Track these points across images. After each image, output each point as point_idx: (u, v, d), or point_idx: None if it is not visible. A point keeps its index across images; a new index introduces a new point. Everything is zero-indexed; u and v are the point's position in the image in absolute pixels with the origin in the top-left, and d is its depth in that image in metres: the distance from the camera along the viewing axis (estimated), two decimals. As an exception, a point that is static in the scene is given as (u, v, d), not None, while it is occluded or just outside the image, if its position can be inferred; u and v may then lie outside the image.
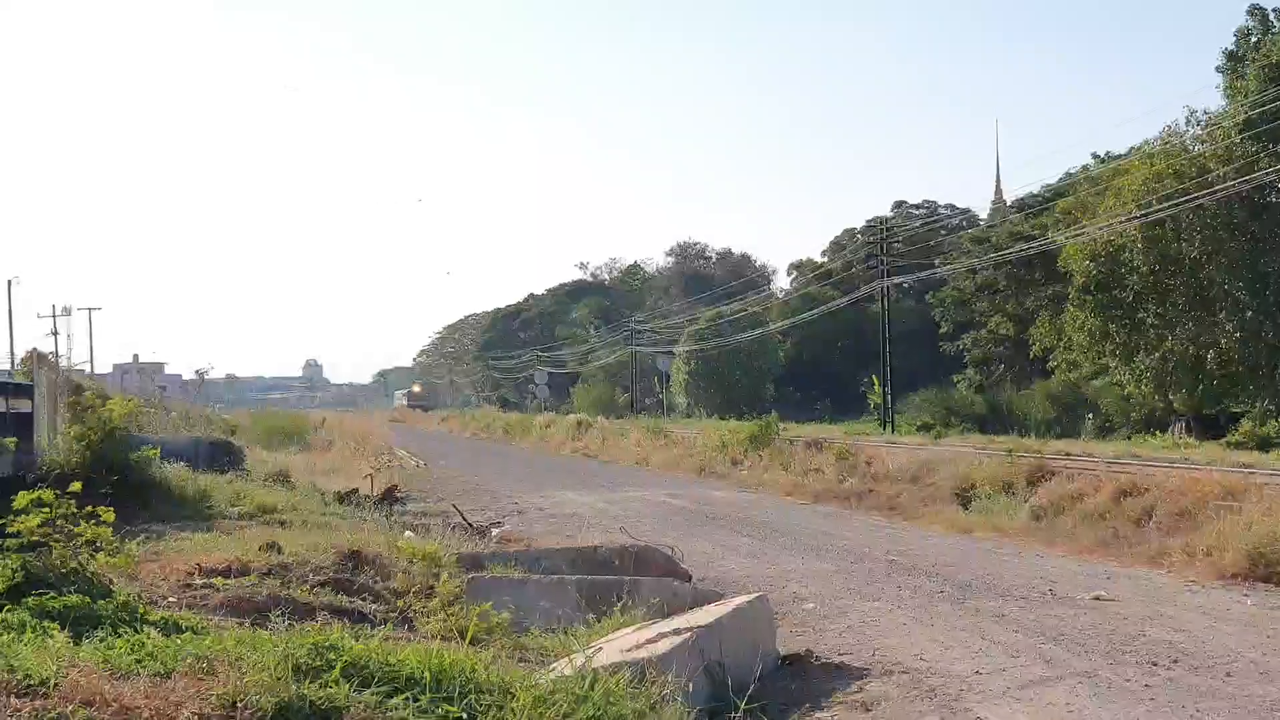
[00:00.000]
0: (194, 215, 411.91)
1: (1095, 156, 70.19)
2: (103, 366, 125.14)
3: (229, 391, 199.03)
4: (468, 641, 9.82)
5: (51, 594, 9.30)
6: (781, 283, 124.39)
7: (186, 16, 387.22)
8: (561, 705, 7.55)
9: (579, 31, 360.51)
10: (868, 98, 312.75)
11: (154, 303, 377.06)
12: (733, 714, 9.12)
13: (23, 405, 22.01)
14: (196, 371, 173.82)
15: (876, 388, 65.66)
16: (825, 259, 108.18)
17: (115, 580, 10.78)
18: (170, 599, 11.46)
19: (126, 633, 8.23)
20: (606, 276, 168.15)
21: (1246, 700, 10.88)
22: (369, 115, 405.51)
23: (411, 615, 12.52)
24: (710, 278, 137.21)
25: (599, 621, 12.11)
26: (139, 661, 7.28)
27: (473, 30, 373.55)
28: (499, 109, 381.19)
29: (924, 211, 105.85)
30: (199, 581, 12.59)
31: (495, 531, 22.98)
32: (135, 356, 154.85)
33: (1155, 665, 12.17)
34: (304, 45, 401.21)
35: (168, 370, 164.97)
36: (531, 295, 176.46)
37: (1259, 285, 49.94)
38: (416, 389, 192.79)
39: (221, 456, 31.03)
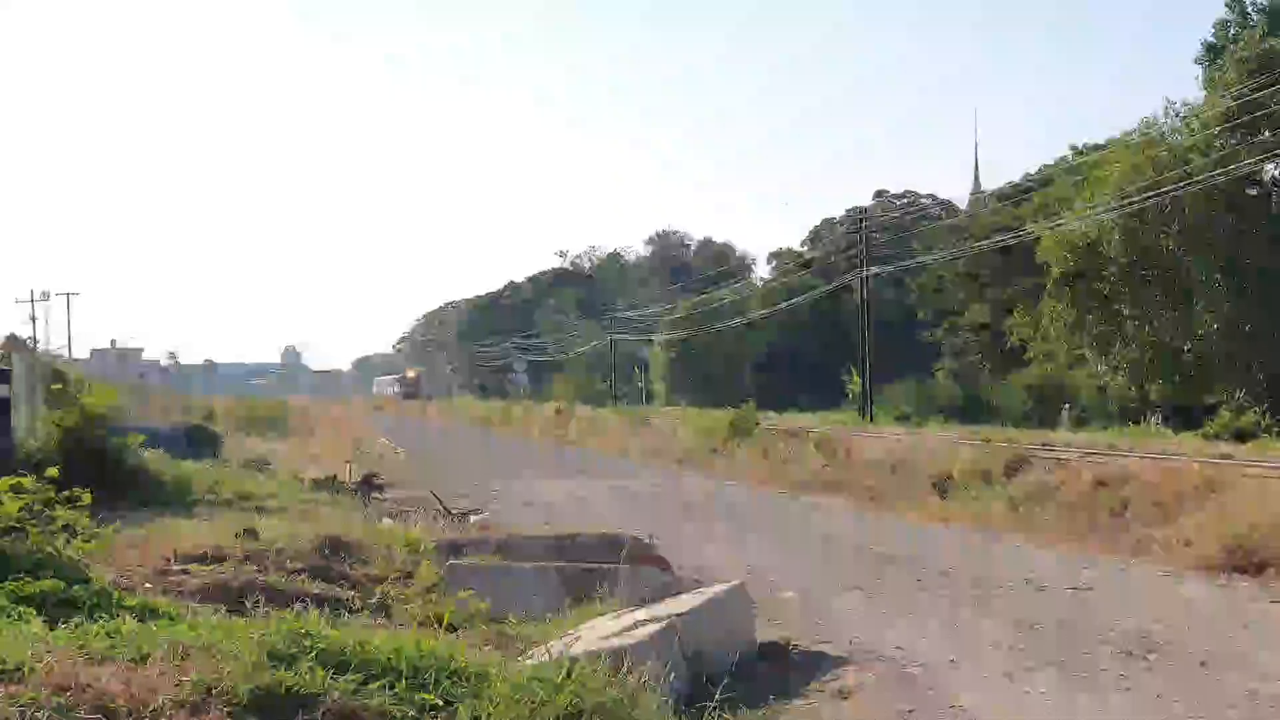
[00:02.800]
0: (171, 201, 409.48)
1: (1073, 148, 70.42)
2: (80, 352, 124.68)
3: (207, 378, 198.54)
4: (444, 628, 9.81)
5: (27, 579, 9.27)
6: (761, 272, 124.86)
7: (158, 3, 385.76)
8: (538, 693, 7.53)
9: (560, 20, 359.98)
10: (848, 87, 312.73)
11: (132, 289, 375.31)
12: (710, 702, 9.11)
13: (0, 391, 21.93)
14: (170, 354, 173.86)
15: (855, 377, 65.71)
16: (805, 248, 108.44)
17: (92, 566, 10.76)
18: (147, 585, 11.44)
19: (102, 618, 8.21)
20: (586, 264, 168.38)
21: (1222, 689, 10.92)
22: (348, 101, 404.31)
23: (389, 602, 12.51)
24: (690, 266, 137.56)
25: (577, 609, 12.11)
26: (114, 647, 7.25)
27: (453, 18, 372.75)
28: (479, 96, 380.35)
29: (905, 201, 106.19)
30: (175, 567, 12.59)
31: (474, 519, 22.97)
32: (113, 342, 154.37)
33: (1131, 654, 12.21)
34: (285, 30, 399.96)
35: (145, 356, 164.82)
36: (511, 283, 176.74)
37: (1237, 277, 50.15)
38: (410, 374, 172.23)
39: (199, 443, 31.04)
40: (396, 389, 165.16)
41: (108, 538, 11.87)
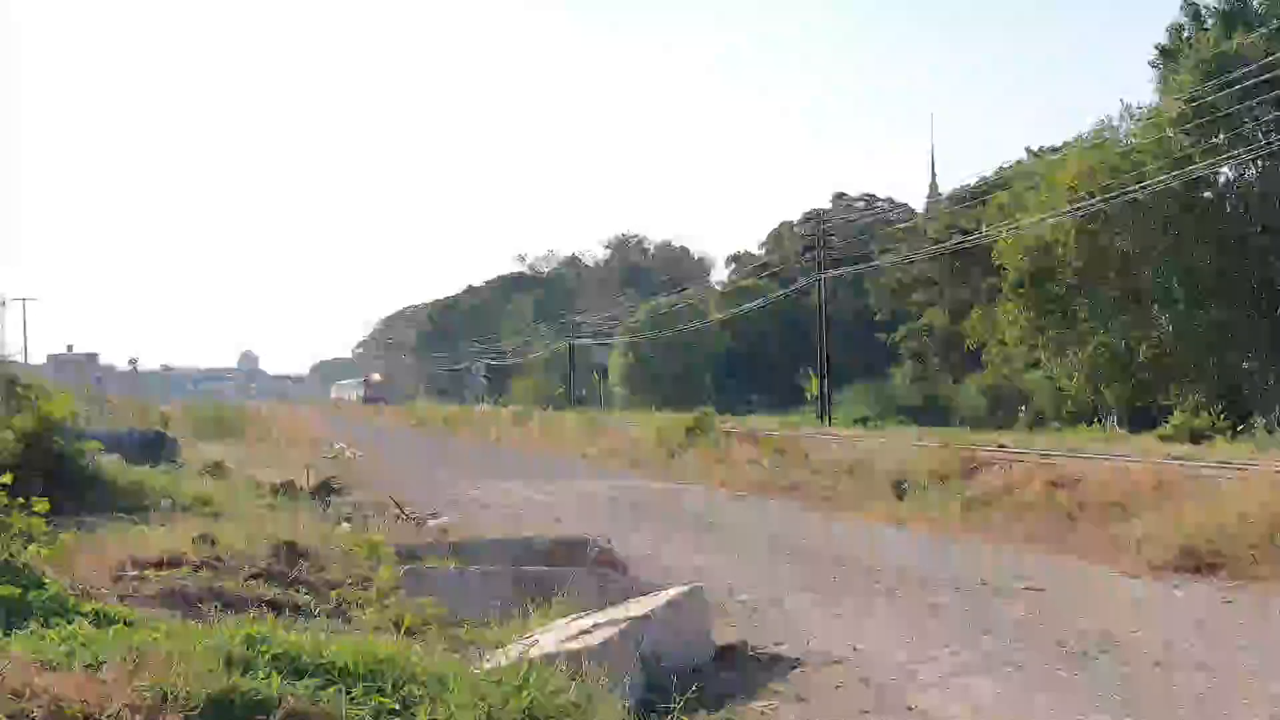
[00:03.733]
0: (128, 207, 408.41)
1: (1029, 151, 70.78)
2: (37, 357, 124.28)
3: (164, 383, 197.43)
4: (403, 633, 9.80)
5: (-19, 585, 9.23)
6: (720, 275, 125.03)
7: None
8: (496, 697, 7.55)
9: (515, 22, 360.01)
10: (808, 90, 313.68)
11: (89, 294, 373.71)
12: (667, 705, 9.13)
13: (-47, 396, 21.82)
14: (130, 360, 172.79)
15: (813, 380, 65.87)
16: (763, 251, 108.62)
17: (47, 572, 10.71)
18: (102, 591, 11.38)
19: (58, 624, 8.18)
20: (545, 268, 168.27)
21: (1175, 691, 11.00)
22: (306, 105, 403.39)
23: (347, 607, 12.48)
24: (648, 270, 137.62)
25: (535, 613, 12.11)
26: (70, 653, 7.23)
27: (408, 19, 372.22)
28: (436, 100, 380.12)
29: (862, 204, 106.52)
30: (131, 573, 12.51)
31: (433, 523, 22.93)
32: (69, 347, 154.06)
33: (1085, 655, 12.29)
34: (237, 29, 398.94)
35: (101, 361, 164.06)
36: (470, 287, 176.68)
37: (1191, 279, 50.48)
38: (376, 377, 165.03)
39: (155, 448, 30.86)
40: (360, 393, 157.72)
41: (63, 544, 11.83)
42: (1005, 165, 72.96)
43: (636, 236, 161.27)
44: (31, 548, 10.80)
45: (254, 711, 6.68)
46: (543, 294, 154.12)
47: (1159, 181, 46.19)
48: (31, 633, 7.84)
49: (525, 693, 7.71)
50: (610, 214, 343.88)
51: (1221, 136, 48.06)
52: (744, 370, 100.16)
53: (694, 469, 38.30)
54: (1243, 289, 51.21)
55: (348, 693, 7.09)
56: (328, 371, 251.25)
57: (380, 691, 7.23)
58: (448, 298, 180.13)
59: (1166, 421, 44.02)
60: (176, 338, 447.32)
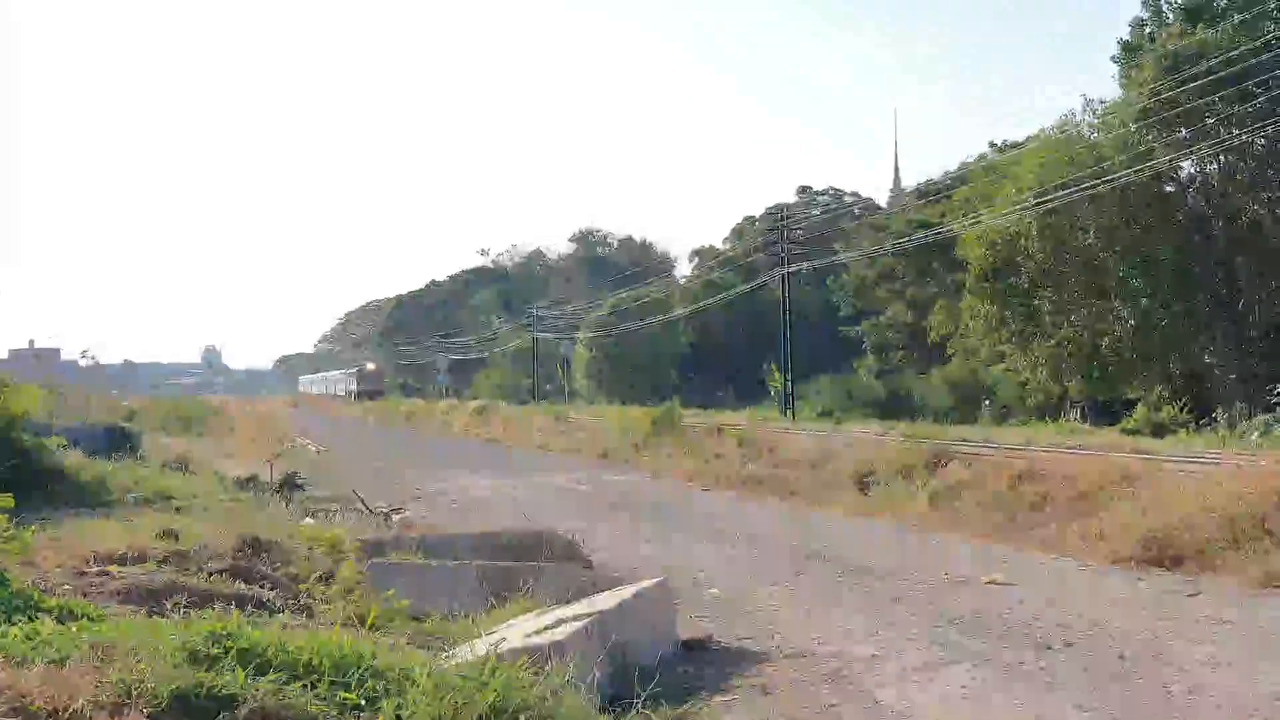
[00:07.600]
0: (90, 202, 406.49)
1: (992, 145, 70.95)
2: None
3: (126, 377, 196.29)
4: (368, 628, 9.77)
5: (-57, 583, 9.17)
6: (684, 269, 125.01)
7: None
8: (462, 691, 7.53)
9: (479, 20, 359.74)
10: (773, 85, 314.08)
11: (50, 289, 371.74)
12: (632, 699, 9.12)
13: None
14: (82, 354, 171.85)
15: (777, 374, 65.88)
16: (727, 246, 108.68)
17: (10, 567, 10.65)
18: (66, 586, 11.33)
19: (21, 620, 8.15)
20: (508, 263, 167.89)
21: (1140, 682, 11.04)
22: (265, 102, 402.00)
23: (311, 602, 12.45)
24: (612, 264, 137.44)
25: (501, 607, 12.10)
26: (34, 649, 7.20)
27: (370, 16, 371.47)
28: (396, 93, 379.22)
29: (827, 198, 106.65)
30: (95, 569, 12.46)
31: (397, 517, 22.87)
32: (31, 342, 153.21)
33: (1050, 648, 12.33)
34: (202, 27, 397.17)
35: (63, 356, 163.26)
36: (433, 281, 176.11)
37: (1153, 273, 50.69)
38: (371, 366, 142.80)
39: (118, 442, 30.73)
40: (352, 386, 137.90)
41: (26, 539, 11.76)
42: (968, 159, 73.18)
43: (600, 231, 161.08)
44: (-7, 543, 10.75)
45: (219, 707, 6.67)
46: (506, 288, 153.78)
47: (1121, 176, 46.32)
48: (-6, 629, 7.79)
49: (490, 688, 7.69)
50: (574, 209, 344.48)
51: (1184, 131, 48.23)
52: (708, 364, 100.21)
53: (659, 463, 38.26)
54: (1205, 282, 51.47)
55: (312, 688, 7.07)
56: (291, 366, 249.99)
57: (345, 687, 7.22)
58: (411, 292, 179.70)
59: (1130, 415, 44.23)
60: (139, 333, 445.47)
